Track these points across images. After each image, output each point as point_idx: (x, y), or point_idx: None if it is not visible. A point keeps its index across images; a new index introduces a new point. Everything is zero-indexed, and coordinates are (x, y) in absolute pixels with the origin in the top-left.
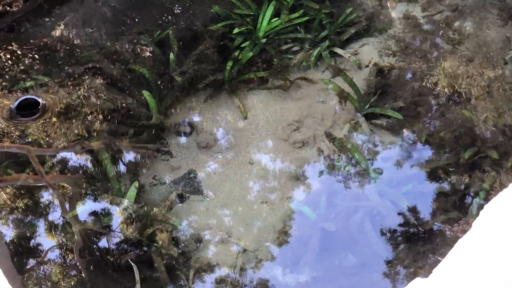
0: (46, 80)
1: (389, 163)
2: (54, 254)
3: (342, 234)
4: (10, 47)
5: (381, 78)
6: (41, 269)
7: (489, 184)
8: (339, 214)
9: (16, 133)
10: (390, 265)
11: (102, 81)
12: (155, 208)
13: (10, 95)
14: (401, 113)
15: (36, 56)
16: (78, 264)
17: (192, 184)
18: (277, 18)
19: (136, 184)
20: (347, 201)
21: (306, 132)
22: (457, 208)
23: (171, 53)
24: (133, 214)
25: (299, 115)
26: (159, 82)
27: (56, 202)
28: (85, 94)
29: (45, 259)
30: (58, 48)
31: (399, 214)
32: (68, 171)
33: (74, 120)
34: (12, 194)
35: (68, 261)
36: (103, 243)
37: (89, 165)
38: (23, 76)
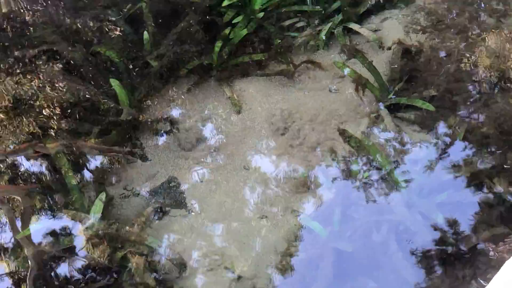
0: None
1: (418, 166)
2: (3, 285)
3: (360, 256)
4: None
5: (408, 60)
6: None
7: None
8: (357, 231)
9: None
10: None
11: (59, 67)
12: (127, 226)
13: None
14: (433, 104)
15: None
16: None
17: (173, 195)
18: None
19: (103, 196)
20: (366, 214)
21: (315, 129)
22: (504, 222)
23: (145, 32)
24: (100, 234)
25: (307, 108)
26: (131, 68)
27: (4, 219)
28: (39, 84)
29: None
30: (4, 27)
31: (432, 230)
32: (19, 181)
33: (25, 116)
34: None
35: None
36: (63, 269)
37: (45, 172)
38: None
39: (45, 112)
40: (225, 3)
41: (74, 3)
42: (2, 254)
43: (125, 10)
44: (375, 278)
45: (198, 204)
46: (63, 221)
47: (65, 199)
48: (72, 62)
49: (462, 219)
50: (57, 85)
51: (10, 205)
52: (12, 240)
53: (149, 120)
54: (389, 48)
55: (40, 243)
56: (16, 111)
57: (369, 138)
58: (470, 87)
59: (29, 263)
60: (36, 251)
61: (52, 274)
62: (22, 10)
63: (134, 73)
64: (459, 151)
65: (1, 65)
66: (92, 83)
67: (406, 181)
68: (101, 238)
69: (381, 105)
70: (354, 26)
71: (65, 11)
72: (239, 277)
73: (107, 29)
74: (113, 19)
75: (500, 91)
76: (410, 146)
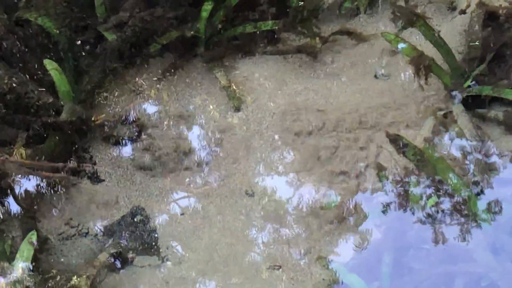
0: None
1: (510, 190)
2: None
3: None
4: None
5: (494, 31)
6: None
7: None
8: None
9: None
10: None
11: None
12: (70, 281)
13: None
14: None
15: None
16: None
17: (140, 236)
18: None
19: (34, 236)
20: (432, 263)
21: (353, 133)
22: None
23: None
24: None
25: (341, 102)
26: (76, 44)
27: None
28: None
29: None
30: None
31: None
32: None
33: None
34: None
35: None
36: None
37: None
38: None
39: None
40: None
41: None
42: None
43: None
44: None
45: (177, 249)
46: None
47: None
48: None
49: None
50: None
51: None
52: None
53: (104, 121)
54: (464, 12)
55: None
56: None
57: (436, 148)
58: None
59: None
60: None
61: None
62: None
63: (82, 52)
64: None
65: None
66: (19, 66)
67: (492, 212)
68: None
69: (454, 98)
70: None
71: None
72: None
73: None
74: None
75: None
76: (497, 159)
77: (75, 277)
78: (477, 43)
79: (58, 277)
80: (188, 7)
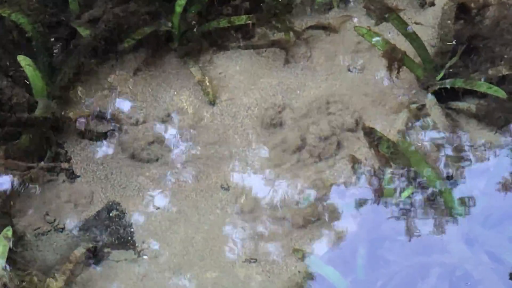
0: None
1: (483, 182)
2: None
3: None
4: None
5: (466, 23)
6: None
7: None
8: (393, 280)
9: None
10: None
11: None
12: (47, 278)
13: None
14: (504, 88)
15: None
16: None
17: (116, 230)
18: None
19: (10, 232)
20: (406, 255)
21: (327, 127)
22: None
23: None
24: None
25: (314, 96)
26: (50, 40)
27: None
28: None
29: None
30: None
31: (505, 277)
32: None
33: None
34: None
35: None
36: None
37: None
38: None
39: None
40: None
41: None
42: None
43: None
44: None
45: (153, 243)
46: None
47: None
48: None
49: None
50: None
51: None
52: None
53: (79, 117)
54: (432, 5)
55: None
56: None
57: (409, 141)
58: None
59: None
60: None
61: None
62: None
63: (56, 48)
64: None
65: None
66: None
67: (466, 204)
68: None
69: (427, 91)
70: None
71: None
72: None
73: None
74: None
75: None
76: (470, 152)
77: (48, 278)
78: (449, 37)
79: (32, 274)
80: (161, 2)
